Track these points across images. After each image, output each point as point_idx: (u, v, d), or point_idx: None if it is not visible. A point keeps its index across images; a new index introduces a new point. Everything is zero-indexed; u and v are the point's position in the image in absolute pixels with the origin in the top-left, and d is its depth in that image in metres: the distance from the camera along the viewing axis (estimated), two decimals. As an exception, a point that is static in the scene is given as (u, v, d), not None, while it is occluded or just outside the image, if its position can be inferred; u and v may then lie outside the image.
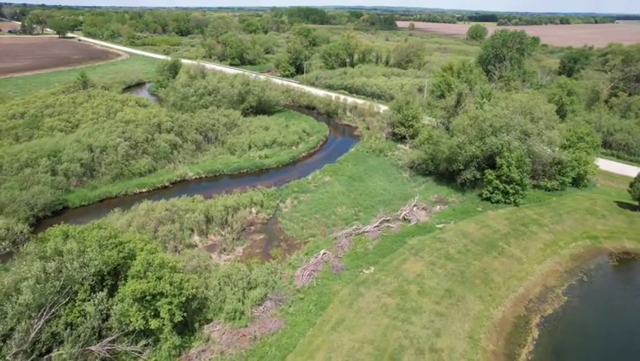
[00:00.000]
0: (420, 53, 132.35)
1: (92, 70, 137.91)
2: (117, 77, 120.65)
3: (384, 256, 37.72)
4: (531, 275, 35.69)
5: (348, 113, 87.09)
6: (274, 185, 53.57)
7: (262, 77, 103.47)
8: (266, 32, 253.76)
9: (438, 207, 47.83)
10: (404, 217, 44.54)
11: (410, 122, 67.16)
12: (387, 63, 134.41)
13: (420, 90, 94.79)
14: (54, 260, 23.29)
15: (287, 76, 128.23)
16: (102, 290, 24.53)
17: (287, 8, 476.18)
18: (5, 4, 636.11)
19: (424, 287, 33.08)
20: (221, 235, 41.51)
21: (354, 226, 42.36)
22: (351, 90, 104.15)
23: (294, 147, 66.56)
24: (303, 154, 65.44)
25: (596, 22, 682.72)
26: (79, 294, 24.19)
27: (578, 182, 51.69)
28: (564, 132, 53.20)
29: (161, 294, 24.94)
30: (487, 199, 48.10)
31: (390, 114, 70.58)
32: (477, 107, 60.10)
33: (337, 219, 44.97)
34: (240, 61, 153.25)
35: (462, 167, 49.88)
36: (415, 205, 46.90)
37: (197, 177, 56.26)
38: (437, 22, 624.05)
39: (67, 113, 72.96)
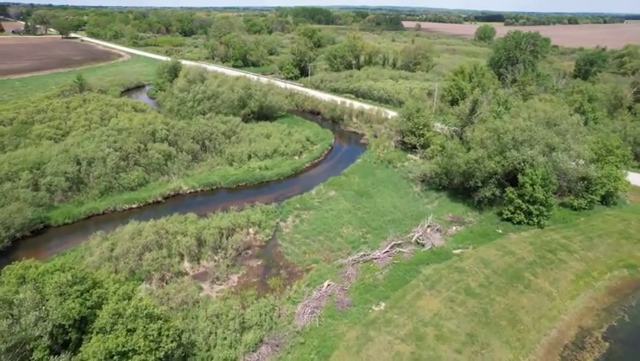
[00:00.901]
0: (428, 55, 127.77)
1: (91, 71, 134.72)
2: (116, 79, 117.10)
3: (395, 288, 33.52)
4: (564, 314, 31.32)
5: (355, 120, 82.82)
6: (274, 200, 49.50)
7: (264, 79, 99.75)
8: (270, 33, 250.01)
9: (454, 227, 43.52)
10: (417, 241, 40.31)
11: (421, 131, 62.79)
12: (394, 65, 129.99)
13: (429, 95, 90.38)
14: (5, 317, 19.30)
15: (291, 78, 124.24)
16: (65, 350, 20.53)
17: (292, 8, 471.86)
18: (13, 4, 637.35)
19: (442, 330, 28.84)
20: (215, 261, 37.50)
21: (362, 252, 38.16)
22: (358, 94, 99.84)
23: (296, 157, 62.46)
24: (307, 165, 61.27)
25: (604, 22, 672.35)
26: (35, 353, 20.21)
27: (607, 200, 47.19)
28: (591, 145, 48.63)
29: (134, 351, 20.91)
30: (508, 220, 43.75)
31: (400, 122, 66.22)
32: (494, 117, 55.79)
33: (343, 242, 40.80)
34: (243, 62, 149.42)
35: (480, 183, 45.48)
36: (428, 226, 42.63)
37: (192, 190, 52.26)
38: (443, 22, 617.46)
39: (59, 120, 69.24)
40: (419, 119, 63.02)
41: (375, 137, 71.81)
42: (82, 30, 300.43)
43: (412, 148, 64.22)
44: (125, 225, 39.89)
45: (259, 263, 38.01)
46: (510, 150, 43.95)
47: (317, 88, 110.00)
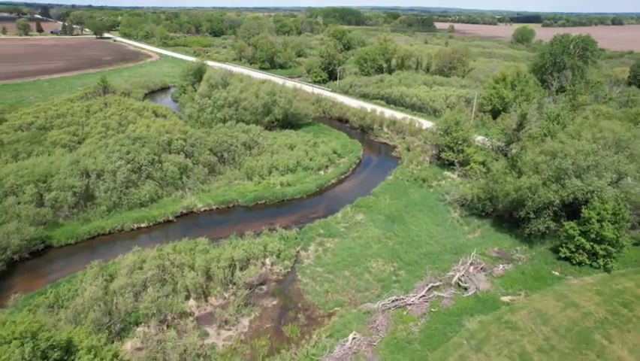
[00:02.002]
0: (465, 59, 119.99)
1: (118, 73, 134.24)
2: (141, 80, 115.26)
3: (434, 347, 27.90)
4: (650, 396, 24.95)
5: (386, 129, 77.00)
6: (295, 223, 44.68)
7: (289, 83, 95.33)
8: (299, 33, 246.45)
9: (501, 266, 37.32)
10: (458, 282, 34.48)
11: (460, 147, 56.47)
12: (428, 70, 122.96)
13: (467, 103, 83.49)
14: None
15: (318, 82, 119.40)
16: None
17: (322, 9, 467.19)
18: (55, 5, 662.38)
19: (495, 414, 23.12)
20: (224, 299, 32.94)
21: (394, 296, 32.66)
22: (389, 100, 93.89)
23: (321, 172, 57.35)
24: (333, 181, 56.07)
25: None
26: None
27: (686, 237, 39.84)
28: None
29: None
30: (566, 259, 37.16)
31: (437, 136, 59.95)
32: (544, 134, 49.12)
33: (371, 279, 35.42)
34: (270, 64, 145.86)
35: (532, 214, 39.02)
36: (471, 264, 36.69)
37: (207, 208, 48.05)
38: (477, 23, 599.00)
39: (77, 125, 66.79)
40: (458, 133, 56.75)
41: (408, 150, 65.89)
42: (115, 30, 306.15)
43: (450, 164, 57.97)
44: (130, 249, 36.06)
45: (274, 303, 33.15)
46: (570, 178, 37.44)
47: (346, 93, 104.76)
